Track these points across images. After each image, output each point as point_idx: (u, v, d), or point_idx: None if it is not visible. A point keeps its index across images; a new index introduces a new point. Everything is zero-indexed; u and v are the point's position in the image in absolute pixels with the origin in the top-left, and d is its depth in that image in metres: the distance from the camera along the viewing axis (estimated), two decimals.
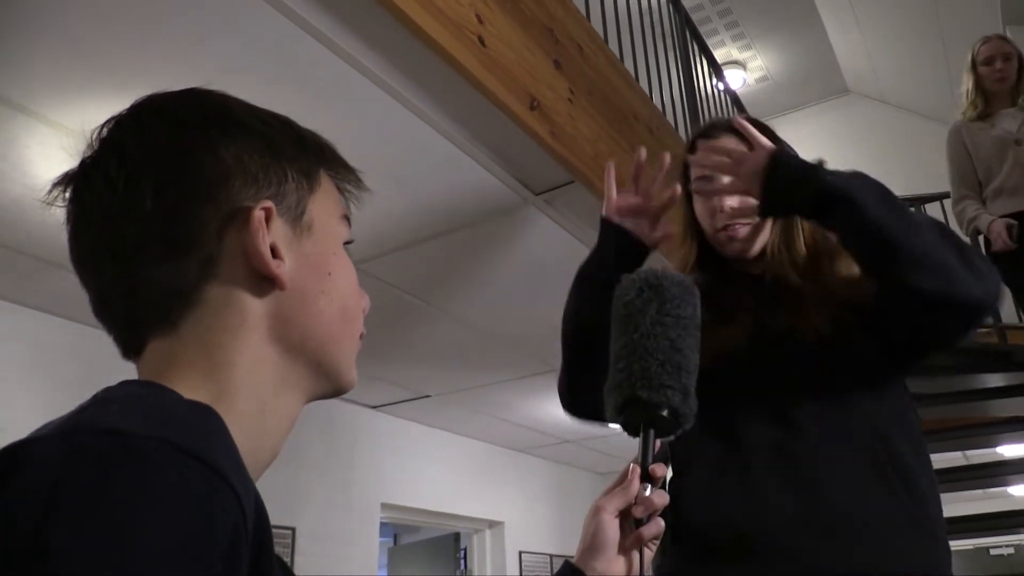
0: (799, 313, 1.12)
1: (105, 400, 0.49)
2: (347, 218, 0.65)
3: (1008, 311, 3.85)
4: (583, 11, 2.78)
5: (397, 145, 2.28)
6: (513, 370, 4.23)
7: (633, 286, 0.86)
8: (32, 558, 0.37)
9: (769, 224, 1.22)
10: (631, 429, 0.82)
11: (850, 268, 1.15)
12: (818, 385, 1.10)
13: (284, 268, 0.56)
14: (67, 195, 0.57)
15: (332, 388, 0.62)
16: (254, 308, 0.56)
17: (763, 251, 1.22)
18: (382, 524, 4.74)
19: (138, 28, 1.79)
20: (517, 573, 5.59)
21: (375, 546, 4.59)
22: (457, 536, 5.81)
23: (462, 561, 5.72)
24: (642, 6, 3.70)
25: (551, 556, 5.95)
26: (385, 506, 4.70)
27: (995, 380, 3.78)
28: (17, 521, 0.38)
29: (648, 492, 0.79)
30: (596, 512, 0.79)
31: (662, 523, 0.80)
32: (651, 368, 0.80)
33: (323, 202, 0.62)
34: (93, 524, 0.38)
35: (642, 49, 3.50)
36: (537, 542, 5.90)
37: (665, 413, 0.79)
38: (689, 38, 4.22)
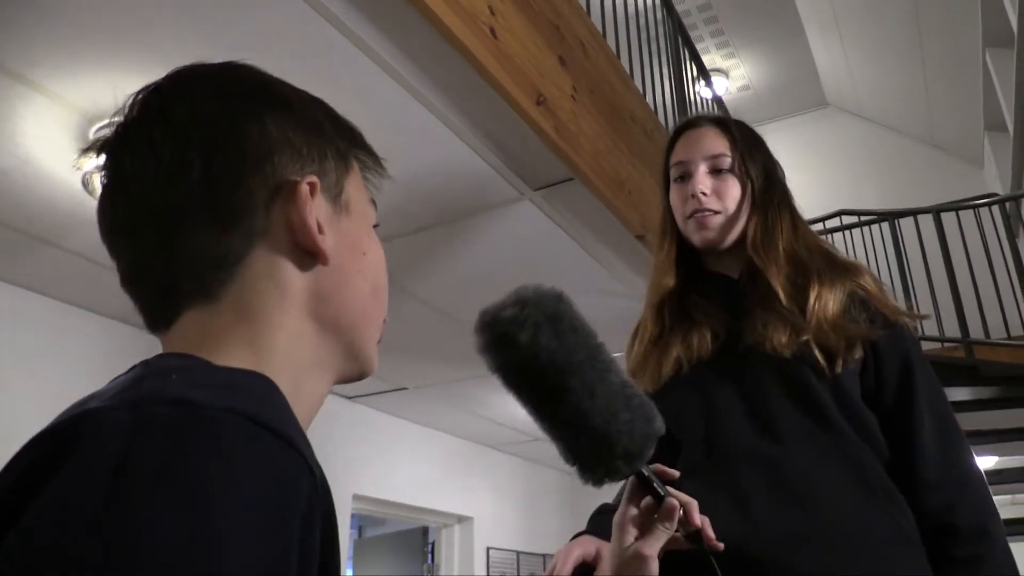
0: (765, 328, 1.10)
1: (161, 371, 0.47)
2: (373, 202, 0.65)
3: (975, 327, 3.96)
4: (584, 10, 2.79)
5: (399, 132, 2.26)
6: None
7: (509, 366, 0.68)
8: (101, 531, 0.36)
9: (743, 219, 1.20)
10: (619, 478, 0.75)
11: (841, 317, 1.10)
12: (793, 395, 1.09)
13: (328, 243, 0.56)
14: (102, 161, 0.56)
15: (358, 369, 0.62)
16: (295, 282, 0.55)
17: (739, 246, 1.20)
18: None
19: (146, 2, 1.76)
20: (484, 569, 5.59)
21: (346, 537, 4.56)
22: (425, 530, 5.79)
23: (430, 555, 5.71)
24: (637, 8, 3.73)
25: (518, 553, 5.96)
26: (357, 497, 4.66)
27: (961, 394, 3.89)
28: (85, 493, 0.37)
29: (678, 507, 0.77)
30: (645, 561, 0.76)
31: (708, 522, 0.79)
32: (616, 448, 0.69)
33: (356, 183, 0.62)
34: (166, 496, 0.37)
35: (637, 51, 3.52)
36: (505, 538, 5.91)
37: (645, 460, 0.73)
38: (681, 43, 4.26)
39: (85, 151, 0.58)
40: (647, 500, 0.79)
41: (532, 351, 0.65)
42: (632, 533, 0.79)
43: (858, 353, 1.09)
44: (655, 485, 0.77)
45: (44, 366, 3.08)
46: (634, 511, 0.80)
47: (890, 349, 1.12)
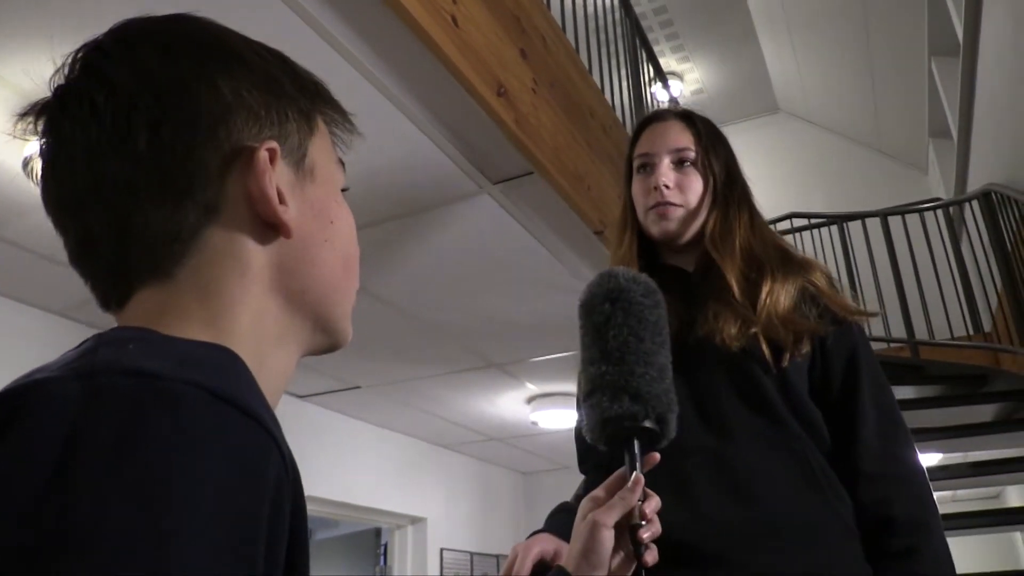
0: (716, 320, 1.12)
1: (117, 341, 0.44)
2: (342, 163, 0.62)
3: (920, 327, 4.06)
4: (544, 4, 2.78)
5: (355, 121, 2.21)
6: (448, 364, 4.19)
7: (597, 299, 0.86)
8: (41, 521, 0.32)
9: (704, 214, 1.21)
10: (613, 443, 0.82)
11: (791, 312, 1.12)
12: (742, 390, 1.11)
13: (290, 214, 0.53)
14: (39, 128, 0.51)
15: (329, 342, 0.59)
16: (257, 257, 0.52)
17: (698, 241, 1.21)
18: None
19: None
20: (438, 570, 5.54)
21: None
22: (378, 531, 5.72)
23: (382, 557, 5.63)
24: (596, 7, 3.74)
25: (472, 554, 5.93)
26: (308, 498, 4.52)
27: (907, 392, 3.98)
28: (25, 475, 0.34)
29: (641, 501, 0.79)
30: (596, 528, 0.77)
31: (658, 524, 0.79)
32: (631, 382, 0.80)
33: (321, 145, 0.58)
34: (119, 476, 0.34)
35: (596, 50, 3.53)
36: (458, 540, 5.87)
37: (648, 424, 0.80)
38: (638, 44, 4.29)
39: (22, 116, 0.53)
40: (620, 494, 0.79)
41: (627, 292, 0.84)
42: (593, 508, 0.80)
43: (806, 348, 1.11)
44: (637, 461, 0.79)
45: None
46: (603, 493, 0.81)
47: (837, 345, 1.14)
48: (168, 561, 0.33)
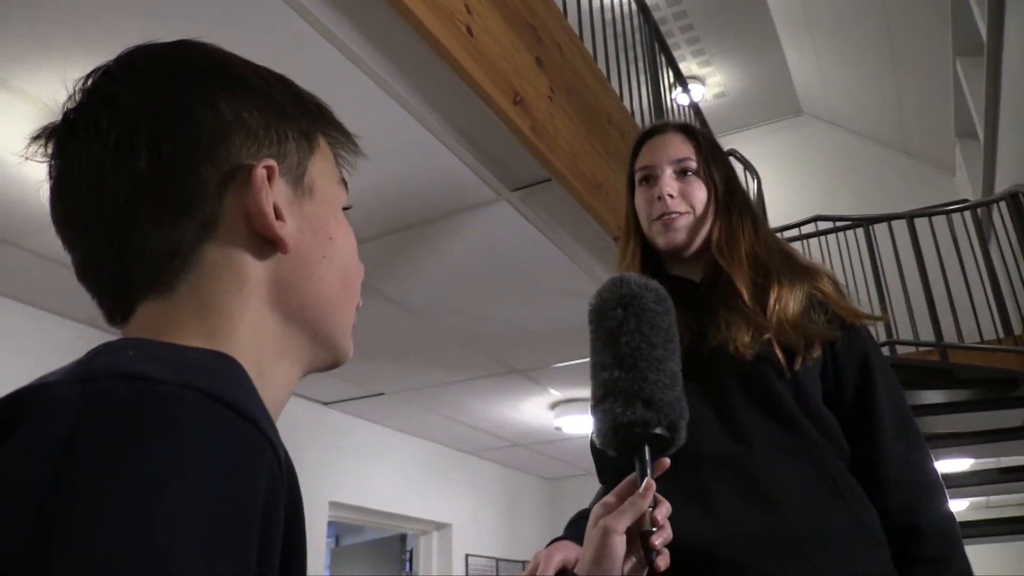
0: (728, 329, 1.12)
1: (118, 347, 0.45)
2: (344, 183, 0.63)
3: (949, 331, 4.00)
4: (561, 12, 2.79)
5: (373, 131, 2.24)
6: (470, 370, 4.21)
7: (608, 304, 0.87)
8: (46, 513, 0.34)
9: (708, 223, 1.22)
10: (623, 448, 0.82)
11: (801, 318, 1.13)
12: (757, 397, 1.11)
13: (287, 230, 0.54)
14: (49, 150, 0.54)
15: (329, 358, 0.60)
16: (254, 271, 0.53)
17: (703, 250, 1.22)
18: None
19: None
20: None
21: (323, 545, 4.51)
22: (403, 537, 5.74)
23: (408, 563, 5.65)
24: (614, 14, 3.74)
25: (497, 560, 5.93)
26: (333, 504, 4.62)
27: (936, 397, 3.92)
28: (29, 473, 0.35)
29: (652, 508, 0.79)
30: (607, 534, 0.77)
31: (669, 530, 0.79)
32: (644, 388, 0.81)
33: (322, 165, 0.60)
34: (118, 475, 0.35)
35: (615, 57, 3.53)
36: (484, 545, 5.87)
37: (660, 431, 0.80)
38: (658, 49, 4.28)
39: (34, 139, 0.55)
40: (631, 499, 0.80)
41: (639, 298, 0.85)
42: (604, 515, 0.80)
43: (816, 352, 1.12)
44: (648, 467, 0.80)
45: (12, 373, 3.00)
46: (614, 499, 0.81)
47: (848, 349, 1.15)
48: (160, 556, 0.34)
